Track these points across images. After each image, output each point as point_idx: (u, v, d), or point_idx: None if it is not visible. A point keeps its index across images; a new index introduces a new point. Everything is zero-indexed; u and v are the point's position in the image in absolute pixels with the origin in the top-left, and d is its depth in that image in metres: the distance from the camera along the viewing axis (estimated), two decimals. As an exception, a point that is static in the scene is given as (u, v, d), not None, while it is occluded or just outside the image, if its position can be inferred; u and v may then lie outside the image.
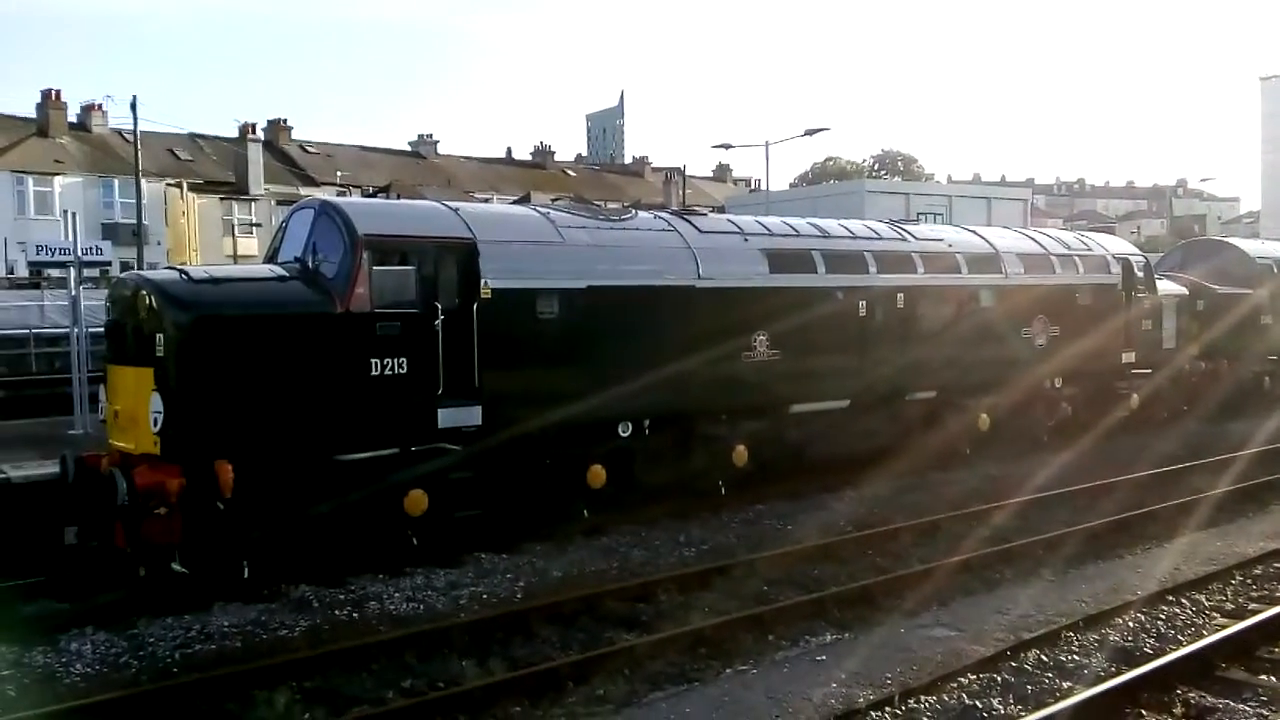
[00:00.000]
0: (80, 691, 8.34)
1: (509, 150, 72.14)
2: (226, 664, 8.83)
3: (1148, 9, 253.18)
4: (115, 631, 9.64)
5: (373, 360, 11.41)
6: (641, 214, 15.21)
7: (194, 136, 56.12)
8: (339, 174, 53.22)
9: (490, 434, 12.16)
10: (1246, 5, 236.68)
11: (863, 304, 15.87)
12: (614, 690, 8.20)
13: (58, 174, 49.09)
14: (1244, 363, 23.73)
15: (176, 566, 10.74)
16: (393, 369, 11.51)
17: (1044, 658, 8.48)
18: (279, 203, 49.15)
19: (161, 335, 10.76)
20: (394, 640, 9.21)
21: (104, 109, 51.94)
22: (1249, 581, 10.78)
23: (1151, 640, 8.94)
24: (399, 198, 16.81)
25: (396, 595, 10.75)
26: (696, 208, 19.58)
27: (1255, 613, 9.39)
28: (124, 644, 9.38)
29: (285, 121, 58.85)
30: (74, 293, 17.99)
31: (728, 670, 8.56)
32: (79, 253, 17.94)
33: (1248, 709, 7.49)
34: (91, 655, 9.15)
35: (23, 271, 36.91)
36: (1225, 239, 29.30)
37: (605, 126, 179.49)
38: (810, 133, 40.03)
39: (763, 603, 10.18)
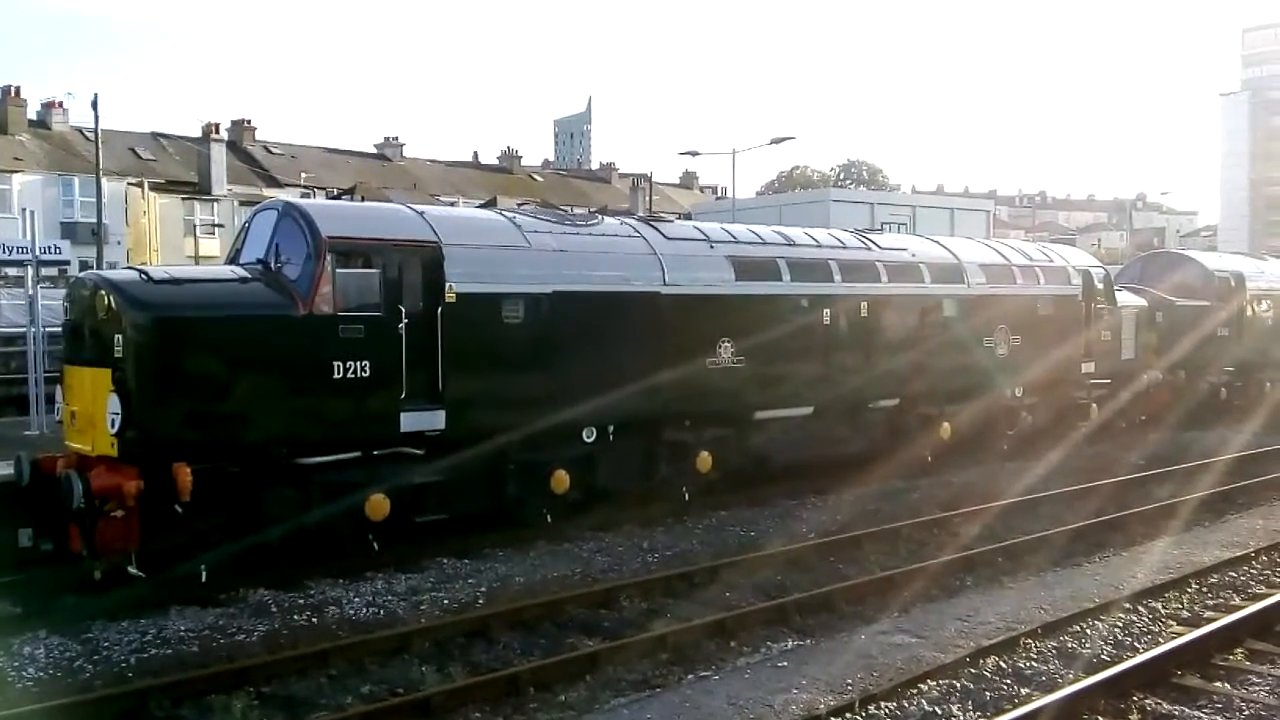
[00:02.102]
0: (33, 696, 8.20)
1: (475, 154, 71.82)
2: (183, 669, 8.73)
3: (1111, 26, 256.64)
4: (70, 635, 9.50)
5: (335, 363, 11.32)
6: (608, 220, 15.21)
7: (156, 135, 55.49)
8: (303, 175, 52.75)
9: (454, 438, 12.10)
10: (1206, 24, 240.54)
11: (827, 312, 15.93)
12: (575, 696, 8.20)
13: (16, 171, 48.31)
14: (1201, 374, 24.05)
15: (133, 570, 10.62)
16: (355, 372, 11.42)
17: (1002, 664, 8.55)
18: (242, 203, 48.64)
19: (120, 336, 10.64)
20: (353, 645, 9.15)
21: (65, 106, 51.14)
22: (1205, 590, 10.91)
23: (1109, 647, 9.03)
24: (364, 200, 16.72)
25: (356, 600, 10.67)
26: (663, 214, 19.63)
27: (1211, 621, 9.51)
28: (78, 648, 9.25)
29: (249, 122, 58.19)
30: (31, 292, 17.79)
31: (689, 676, 8.57)
32: (37, 251, 17.79)
33: (1203, 715, 7.59)
34: (45, 659, 9.01)
35: (-21, 270, 36.34)
36: (1184, 252, 29.64)
37: (573, 132, 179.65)
38: (776, 141, 40.75)
39: (725, 609, 10.19)
